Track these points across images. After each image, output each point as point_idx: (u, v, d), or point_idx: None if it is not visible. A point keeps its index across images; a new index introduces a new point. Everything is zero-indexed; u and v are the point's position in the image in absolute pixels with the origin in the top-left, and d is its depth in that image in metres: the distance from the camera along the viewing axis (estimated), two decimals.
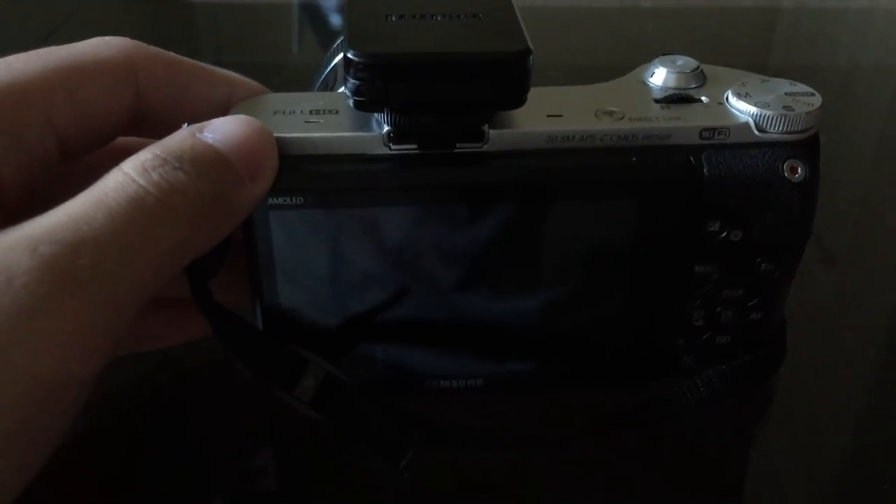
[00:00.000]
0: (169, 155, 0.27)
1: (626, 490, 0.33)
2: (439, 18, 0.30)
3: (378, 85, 0.28)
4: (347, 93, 0.28)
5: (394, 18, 0.30)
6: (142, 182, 0.26)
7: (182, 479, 0.33)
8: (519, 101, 0.29)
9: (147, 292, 0.26)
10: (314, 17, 0.74)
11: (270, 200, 0.30)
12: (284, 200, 0.30)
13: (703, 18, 0.75)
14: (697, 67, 0.33)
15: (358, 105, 0.29)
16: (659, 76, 0.33)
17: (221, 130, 0.28)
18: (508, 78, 0.28)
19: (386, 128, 0.29)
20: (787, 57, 0.73)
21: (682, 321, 0.33)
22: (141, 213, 0.26)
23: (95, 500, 0.33)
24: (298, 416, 0.31)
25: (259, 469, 0.35)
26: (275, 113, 0.31)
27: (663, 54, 0.34)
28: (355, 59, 0.28)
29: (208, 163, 0.27)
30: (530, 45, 0.28)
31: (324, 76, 0.42)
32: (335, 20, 0.81)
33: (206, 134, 0.28)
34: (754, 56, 0.71)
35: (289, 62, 0.70)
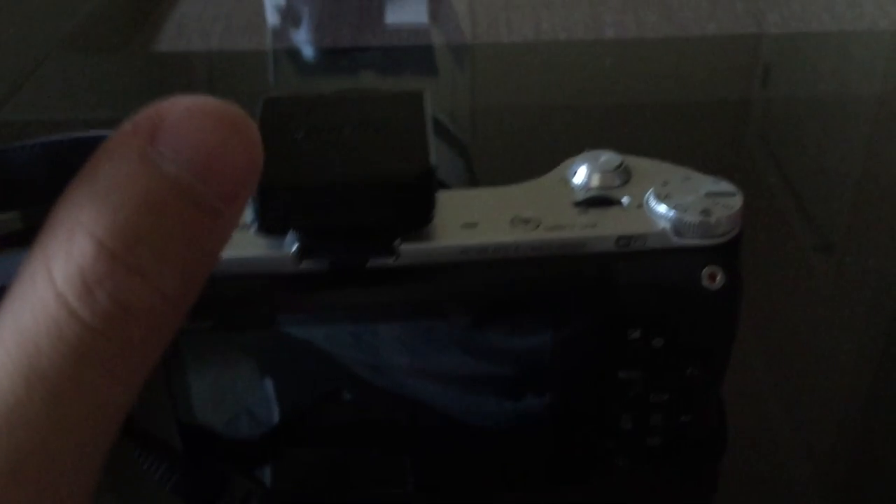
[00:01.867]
0: (121, 246, 0.17)
1: None
2: (348, 131, 0.29)
3: (279, 214, 0.27)
4: (250, 220, 0.28)
5: (301, 135, 0.29)
6: (85, 315, 0.17)
7: None
8: (424, 221, 0.29)
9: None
10: (290, 61, 0.73)
11: None
12: (193, 324, 0.29)
13: (689, 47, 0.74)
14: (621, 164, 0.32)
15: (262, 229, 0.28)
16: (581, 174, 0.32)
17: (182, 142, 0.18)
18: (411, 201, 0.28)
19: (295, 246, 0.29)
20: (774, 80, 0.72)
21: (610, 425, 0.33)
22: (84, 370, 0.18)
23: None
24: None
25: None
26: None
27: (589, 149, 0.33)
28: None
29: (179, 235, 0.18)
30: (433, 162, 0.28)
31: None
32: (308, 52, 0.81)
33: (162, 152, 0.18)
34: (735, 85, 0.70)
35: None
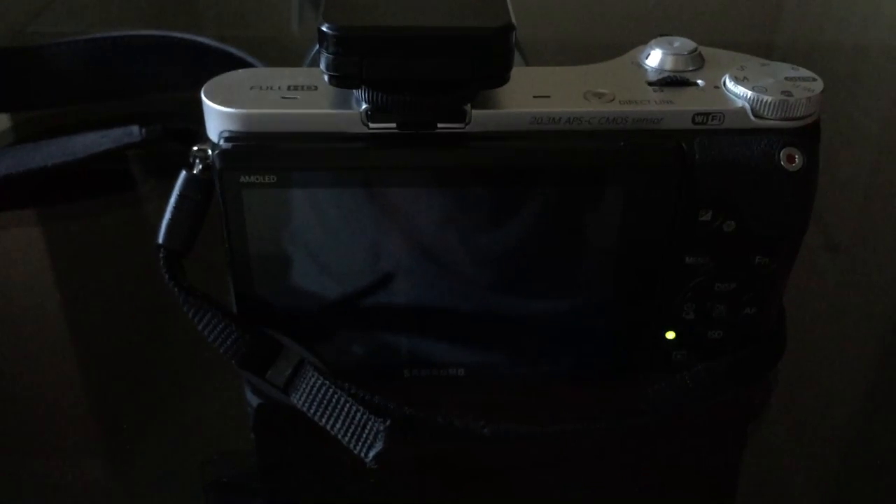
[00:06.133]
0: None
1: (614, 489, 0.32)
2: None
3: (353, 60, 0.27)
4: (322, 68, 0.27)
5: None
6: None
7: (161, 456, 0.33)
8: (501, 79, 0.28)
9: None
10: None
11: (243, 178, 0.28)
12: (257, 178, 0.28)
13: None
14: (695, 49, 0.31)
15: (333, 81, 0.27)
16: (654, 58, 0.31)
17: None
18: (489, 55, 0.27)
19: (364, 105, 0.28)
20: (794, 37, 0.71)
21: (672, 314, 0.32)
22: None
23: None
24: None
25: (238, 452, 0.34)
26: (251, 88, 0.29)
27: (661, 35, 0.32)
28: (329, 32, 0.26)
29: None
30: (514, 20, 0.27)
31: (313, 52, 0.40)
32: None
33: None
34: (760, 36, 0.69)
35: (289, 38, 0.69)
